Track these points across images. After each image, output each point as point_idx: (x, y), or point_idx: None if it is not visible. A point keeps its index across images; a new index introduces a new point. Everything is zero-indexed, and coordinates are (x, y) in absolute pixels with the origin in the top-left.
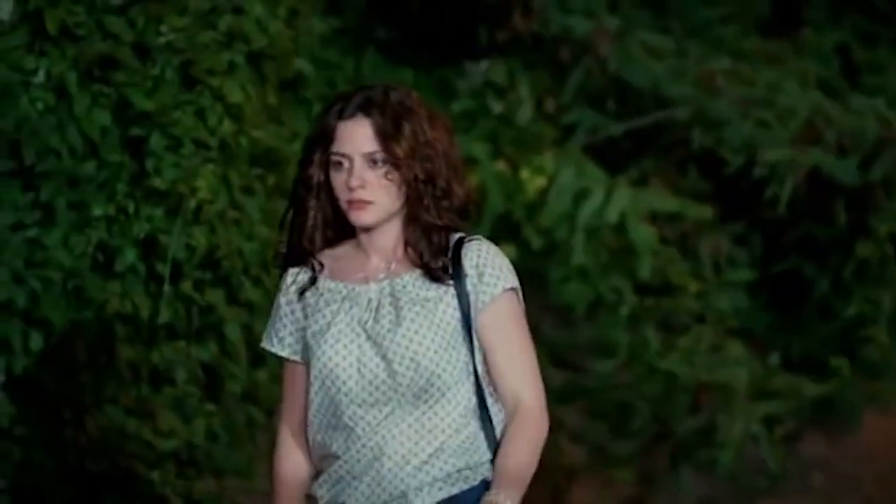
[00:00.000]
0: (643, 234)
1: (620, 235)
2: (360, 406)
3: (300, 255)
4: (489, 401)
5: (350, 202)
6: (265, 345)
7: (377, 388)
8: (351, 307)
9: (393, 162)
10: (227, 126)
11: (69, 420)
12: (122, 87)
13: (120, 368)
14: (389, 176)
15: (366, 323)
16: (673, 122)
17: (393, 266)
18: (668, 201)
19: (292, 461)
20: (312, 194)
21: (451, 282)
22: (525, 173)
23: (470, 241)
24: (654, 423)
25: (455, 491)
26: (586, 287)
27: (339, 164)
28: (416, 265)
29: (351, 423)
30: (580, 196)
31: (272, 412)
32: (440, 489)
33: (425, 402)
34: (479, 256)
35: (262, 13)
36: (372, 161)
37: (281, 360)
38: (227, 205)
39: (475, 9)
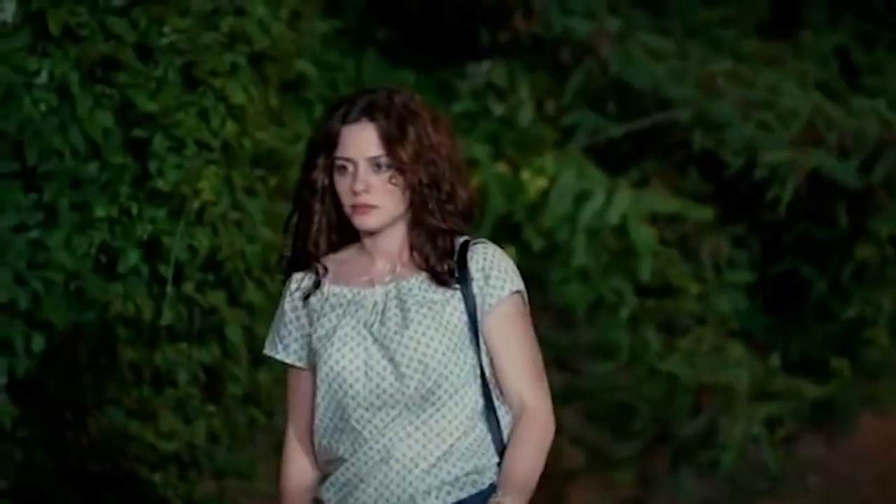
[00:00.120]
0: (644, 235)
1: (621, 237)
2: (367, 409)
3: (304, 259)
4: (496, 403)
5: (354, 206)
6: (269, 352)
7: (384, 391)
8: (357, 311)
9: (397, 166)
10: (230, 127)
11: (71, 421)
12: (125, 88)
13: (122, 370)
14: (394, 180)
15: (372, 326)
16: (673, 123)
17: (398, 269)
18: (669, 203)
19: (299, 466)
20: (317, 198)
21: (457, 285)
22: (526, 175)
23: (475, 243)
24: (654, 424)
25: (463, 496)
26: (587, 288)
27: (344, 168)
28: (421, 268)
29: (358, 427)
30: (581, 197)
31: (273, 414)
32: (448, 493)
33: (433, 404)
34: (484, 259)
35: (265, 14)
36: (376, 165)
37: (286, 367)
38: (229, 206)
39: (476, 10)
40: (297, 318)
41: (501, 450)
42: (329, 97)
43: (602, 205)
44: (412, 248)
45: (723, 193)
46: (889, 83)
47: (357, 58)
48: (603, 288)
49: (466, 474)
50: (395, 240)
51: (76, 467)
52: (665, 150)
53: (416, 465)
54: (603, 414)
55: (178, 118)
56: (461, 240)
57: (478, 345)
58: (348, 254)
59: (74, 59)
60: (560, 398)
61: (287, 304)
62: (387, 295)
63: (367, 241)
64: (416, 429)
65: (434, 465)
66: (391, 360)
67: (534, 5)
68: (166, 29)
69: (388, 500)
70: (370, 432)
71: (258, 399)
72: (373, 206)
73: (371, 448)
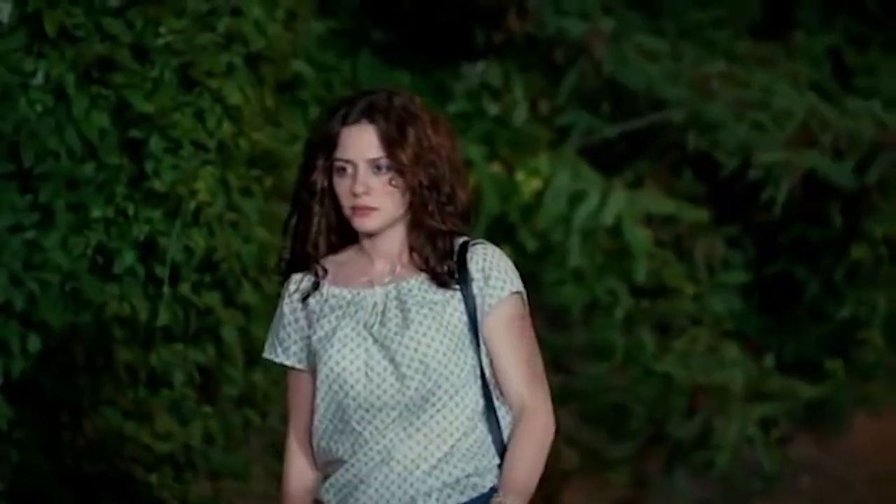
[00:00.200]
0: (638, 236)
1: (616, 238)
2: (367, 410)
3: (304, 261)
4: (496, 404)
5: (354, 208)
6: (268, 355)
7: (385, 392)
8: (356, 311)
9: (398, 168)
10: (226, 128)
11: (67, 422)
12: (121, 88)
13: (117, 371)
14: (394, 182)
15: (372, 327)
16: (668, 124)
17: (398, 270)
18: (664, 203)
19: (299, 468)
20: (316, 200)
21: (457, 286)
22: (520, 175)
23: (475, 244)
24: (649, 425)
25: (464, 499)
26: (582, 289)
27: (343, 170)
28: (421, 269)
29: (359, 428)
30: (575, 198)
31: (268, 415)
32: (449, 496)
33: (433, 405)
34: (484, 260)
35: (261, 15)
36: (376, 167)
37: (285, 369)
38: (224, 207)
39: (470, 10)
40: (296, 321)
41: (502, 451)
42: (324, 98)
43: (596, 205)
44: (412, 249)
45: (717, 194)
46: (882, 84)
47: (352, 58)
48: (598, 289)
49: (467, 476)
50: (395, 241)
51: (72, 468)
52: (659, 151)
53: (418, 467)
54: (598, 414)
55: (174, 119)
56: (460, 240)
57: (478, 345)
58: (347, 255)
59: (70, 59)
60: (555, 399)
61: (286, 306)
62: (386, 296)
63: (367, 243)
64: (417, 430)
65: (435, 467)
66: (392, 360)
67: (528, 6)
68: (162, 30)
69: (388, 502)
70: (370, 433)
71: (253, 400)
72: (372, 208)
73: (371, 449)
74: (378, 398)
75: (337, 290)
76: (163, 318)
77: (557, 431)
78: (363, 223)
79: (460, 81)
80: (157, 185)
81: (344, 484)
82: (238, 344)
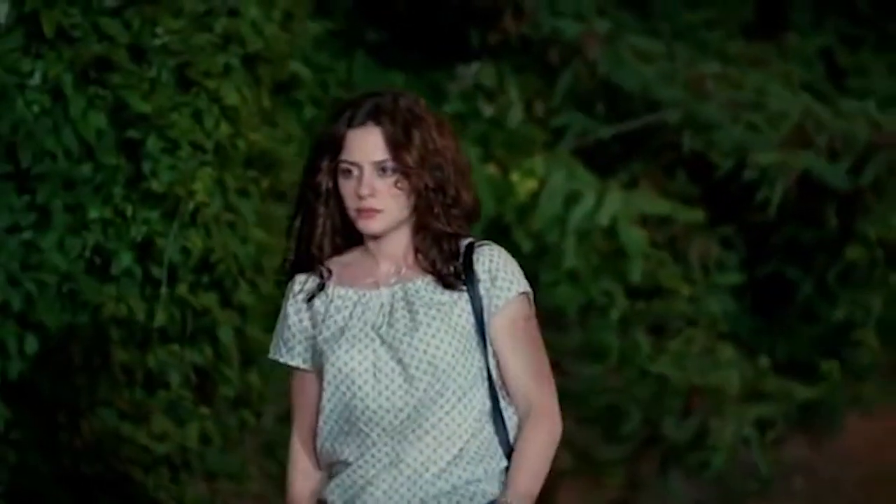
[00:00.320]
0: (634, 237)
1: (611, 238)
2: (375, 412)
3: (308, 262)
4: (502, 404)
5: (359, 210)
6: (274, 356)
7: (393, 394)
8: (363, 312)
9: (403, 170)
10: (224, 128)
11: (64, 424)
12: (118, 89)
13: (114, 372)
14: (399, 184)
15: (380, 328)
16: (663, 125)
17: (403, 271)
18: (659, 204)
19: (304, 470)
20: (321, 201)
21: (463, 287)
22: (515, 176)
23: (481, 245)
24: (644, 426)
25: None
26: (577, 290)
27: (349, 171)
28: (427, 271)
29: (366, 429)
30: (571, 199)
31: (262, 415)
32: (458, 502)
33: (441, 407)
34: (491, 261)
35: (258, 16)
36: (382, 169)
37: (290, 370)
38: (222, 208)
39: (465, 11)
40: (301, 321)
41: (509, 452)
42: (320, 98)
43: (592, 206)
44: (417, 251)
45: (712, 195)
46: (875, 84)
47: (347, 59)
48: (593, 290)
49: (477, 480)
50: (400, 243)
51: (69, 469)
52: (654, 152)
53: (427, 470)
54: (593, 416)
55: (171, 119)
56: (466, 242)
57: (485, 346)
58: (352, 256)
59: (68, 60)
60: None
61: (290, 307)
62: (393, 296)
63: (372, 245)
64: (426, 432)
65: (444, 470)
66: (400, 361)
67: (523, 7)
68: (159, 30)
69: None
70: (378, 435)
71: (249, 401)
72: (378, 210)
73: (379, 451)
74: (386, 399)
75: (342, 291)
76: (160, 318)
77: None
78: (368, 225)
79: (455, 82)
80: (155, 185)
81: (350, 486)
82: (234, 345)
